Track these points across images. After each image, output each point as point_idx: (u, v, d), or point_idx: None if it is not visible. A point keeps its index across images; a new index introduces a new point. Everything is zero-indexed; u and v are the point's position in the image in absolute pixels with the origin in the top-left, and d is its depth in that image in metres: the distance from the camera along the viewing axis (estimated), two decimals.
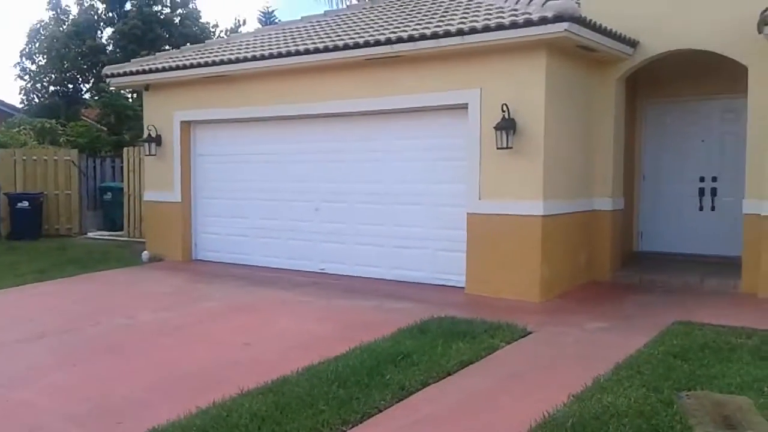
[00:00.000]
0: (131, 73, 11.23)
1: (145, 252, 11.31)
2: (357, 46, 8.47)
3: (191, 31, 23.85)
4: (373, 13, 10.52)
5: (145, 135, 11.44)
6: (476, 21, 7.82)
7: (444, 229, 8.63)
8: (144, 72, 11.05)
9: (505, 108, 7.69)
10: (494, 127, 7.77)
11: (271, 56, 9.35)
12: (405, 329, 6.43)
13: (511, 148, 7.70)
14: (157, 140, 11.27)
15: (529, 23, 7.20)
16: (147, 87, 11.50)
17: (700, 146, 10.06)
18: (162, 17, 23.45)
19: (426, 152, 8.72)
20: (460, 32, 7.65)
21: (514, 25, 7.29)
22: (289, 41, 9.99)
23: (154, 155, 11.32)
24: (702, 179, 10.08)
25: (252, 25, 25.50)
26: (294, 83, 9.64)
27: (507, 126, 7.69)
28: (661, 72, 9.51)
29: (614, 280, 8.87)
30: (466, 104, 8.15)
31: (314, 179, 9.84)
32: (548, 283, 7.85)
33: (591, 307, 7.58)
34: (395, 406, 4.64)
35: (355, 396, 4.70)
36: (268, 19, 26.02)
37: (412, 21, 8.87)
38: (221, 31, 25.50)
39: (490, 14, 7.89)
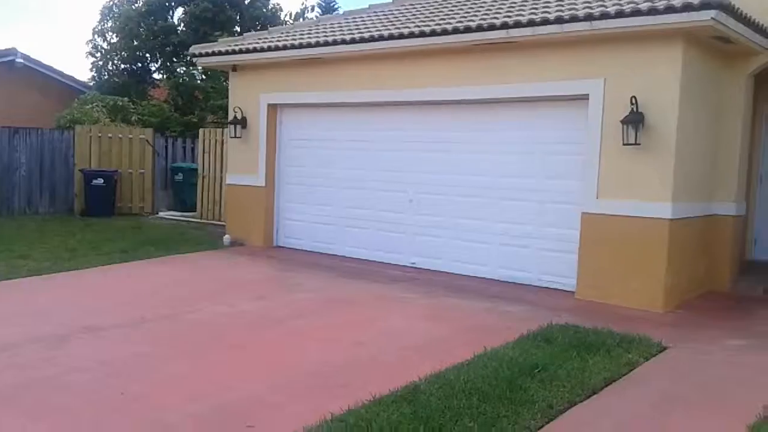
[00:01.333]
0: (219, 53, 10.93)
1: (227, 236, 11.06)
2: (468, 30, 7.96)
3: (261, 13, 23.54)
4: (445, 5, 10.06)
5: (230, 117, 11.15)
6: (589, 7, 7.24)
7: (553, 228, 8.10)
8: (233, 53, 10.74)
9: (633, 101, 7.10)
10: (621, 121, 7.18)
11: (372, 39, 8.92)
12: (528, 337, 5.96)
13: (638, 144, 7.11)
14: (243, 122, 10.98)
15: (670, 9, 6.56)
16: (234, 68, 11.21)
17: None
18: None
19: (536, 145, 8.18)
20: (589, 17, 7.06)
21: (653, 11, 6.67)
22: (379, 26, 9.57)
23: (239, 137, 11.04)
24: None
25: (315, 12, 25.06)
26: (389, 68, 9.22)
27: (635, 120, 7.10)
28: None
29: (734, 291, 8.21)
30: (587, 95, 7.57)
31: (409, 169, 9.39)
32: (671, 292, 7.25)
33: (721, 321, 6.97)
34: (547, 428, 4.18)
35: (503, 413, 4.25)
36: (328, 5, 25.59)
37: (501, 9, 8.46)
38: (285, 15, 25.22)
39: (598, 2, 7.30)
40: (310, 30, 10.92)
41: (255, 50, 10.46)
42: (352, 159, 10.02)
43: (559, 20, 7.27)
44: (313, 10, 25.56)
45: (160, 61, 23.61)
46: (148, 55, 23.61)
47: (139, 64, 23.76)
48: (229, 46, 11.03)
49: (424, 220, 9.29)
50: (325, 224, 10.35)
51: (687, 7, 6.48)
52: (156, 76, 24.18)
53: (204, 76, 21.59)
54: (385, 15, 10.57)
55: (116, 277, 8.49)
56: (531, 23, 7.46)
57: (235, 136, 11.07)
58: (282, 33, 11.34)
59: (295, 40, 10.05)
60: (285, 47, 10.02)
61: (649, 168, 7.17)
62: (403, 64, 9.03)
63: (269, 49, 10.26)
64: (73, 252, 9.77)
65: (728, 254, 8.29)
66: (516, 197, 8.39)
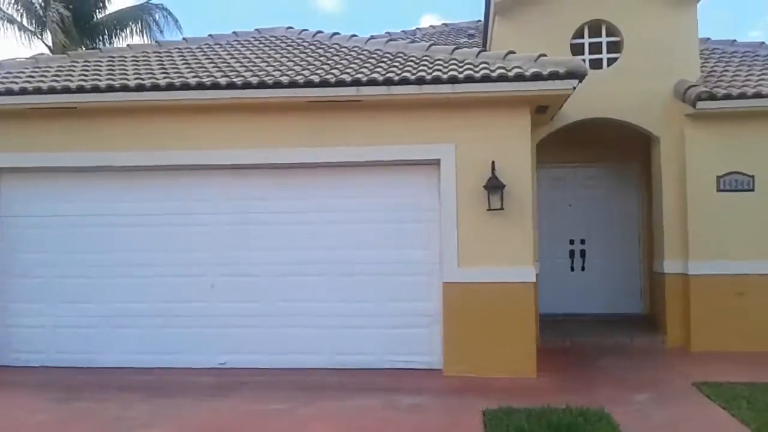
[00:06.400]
0: None
1: None
2: (310, 84, 6.95)
3: None
4: (278, 50, 8.96)
5: None
6: (440, 71, 7.06)
7: (404, 302, 7.42)
8: None
9: (493, 166, 7.03)
10: (484, 187, 7.03)
11: (171, 87, 7.14)
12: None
13: (502, 209, 7.02)
14: None
15: (537, 77, 6.73)
16: None
17: (569, 210, 10.64)
18: None
19: (379, 213, 7.46)
20: (453, 80, 6.80)
21: (519, 78, 6.75)
22: (166, 68, 7.83)
23: None
24: (572, 242, 10.65)
25: None
26: (184, 123, 7.51)
27: (497, 186, 7.01)
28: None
29: (546, 346, 8.63)
30: (438, 160, 7.24)
31: (212, 248, 7.66)
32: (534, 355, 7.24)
33: (590, 378, 7.17)
34: None
35: None
36: None
37: (336, 66, 7.75)
38: None
39: (457, 67, 7.20)
40: (49, 68, 8.31)
41: None
42: (127, 239, 7.76)
43: (420, 81, 6.84)
44: None
45: None
46: None
47: None
48: None
49: (234, 308, 7.63)
50: (82, 327, 7.72)
51: (553, 76, 6.73)
52: None
53: None
54: (168, 54, 8.71)
55: None
56: (389, 82, 6.85)
57: None
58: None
59: (29, 82, 7.46)
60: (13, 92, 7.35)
61: (510, 232, 7.13)
62: (207, 118, 7.46)
63: None
64: None
65: (536, 311, 8.73)
66: (358, 271, 7.48)
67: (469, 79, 6.79)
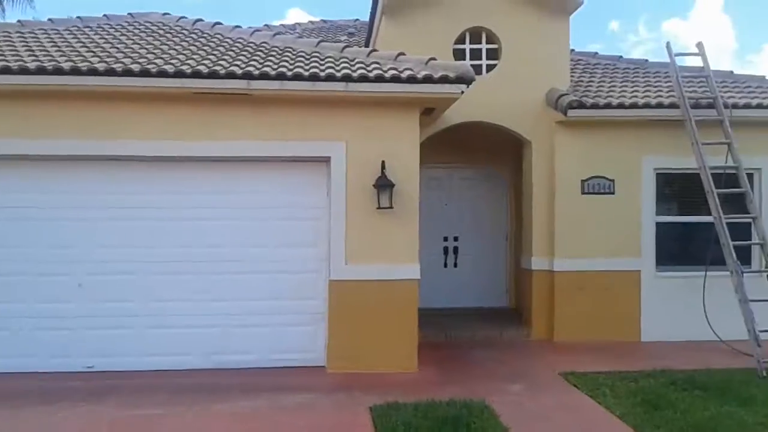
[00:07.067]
0: None
1: None
2: (198, 75, 6.67)
3: None
4: (157, 36, 8.44)
5: None
6: (332, 69, 7.05)
7: (291, 300, 7.36)
8: None
9: (383, 165, 7.13)
10: (374, 185, 7.12)
11: (42, 71, 6.60)
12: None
13: (392, 208, 7.14)
14: None
15: (428, 80, 6.90)
16: None
17: (444, 209, 11.03)
18: None
19: (269, 210, 7.33)
20: (348, 78, 6.81)
21: (412, 80, 6.88)
22: (33, 51, 7.19)
23: None
24: (446, 239, 11.05)
25: None
26: (58, 110, 6.96)
27: (386, 184, 7.13)
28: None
29: (424, 340, 8.85)
30: (329, 157, 7.23)
31: (80, 244, 7.16)
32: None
33: (467, 370, 7.49)
34: None
35: None
36: None
37: (223, 57, 7.50)
38: None
39: (348, 65, 7.22)
40: None
41: None
42: None
43: (314, 77, 6.78)
44: None
45: None
46: None
47: None
48: None
49: (105, 308, 7.19)
50: None
51: (443, 79, 6.95)
52: None
53: None
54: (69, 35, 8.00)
55: None
56: (281, 76, 6.73)
57: None
58: None
59: None
60: None
61: (398, 231, 7.27)
62: (83, 106, 6.95)
63: None
64: None
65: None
66: (243, 269, 7.30)
67: (364, 79, 6.84)
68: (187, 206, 7.24)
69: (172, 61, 6.96)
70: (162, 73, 6.60)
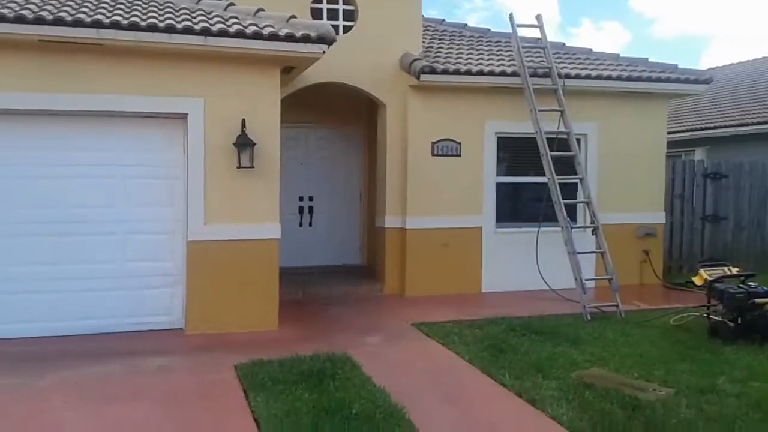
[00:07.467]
0: None
1: None
2: (40, 21, 6.12)
3: None
4: None
5: None
6: (189, 21, 6.83)
7: (147, 262, 7.13)
8: None
9: (243, 123, 7.05)
10: (234, 144, 7.02)
11: None
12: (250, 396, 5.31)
13: (252, 167, 7.10)
14: None
15: (290, 38, 6.85)
16: None
17: (300, 169, 11.08)
18: None
19: (123, 168, 6.98)
20: (206, 32, 6.60)
21: (273, 37, 6.80)
22: None
23: None
24: (301, 198, 11.14)
25: None
26: None
27: (247, 143, 7.06)
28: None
29: (282, 298, 8.92)
30: (186, 114, 7.01)
31: None
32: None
33: (325, 325, 7.73)
34: None
35: None
36: None
37: (68, 3, 6.91)
38: None
39: (206, 18, 7.01)
40: None
41: None
42: None
43: (170, 29, 6.49)
44: None
45: None
46: None
47: None
48: None
49: None
50: None
51: (306, 39, 6.92)
52: None
53: None
54: None
55: None
56: (133, 27, 6.37)
57: None
58: None
59: None
60: None
61: (258, 190, 7.25)
62: None
63: None
64: None
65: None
66: (96, 231, 6.94)
67: (223, 33, 6.66)
68: (37, 164, 6.72)
69: (10, 5, 6.32)
70: (1, 18, 5.99)
